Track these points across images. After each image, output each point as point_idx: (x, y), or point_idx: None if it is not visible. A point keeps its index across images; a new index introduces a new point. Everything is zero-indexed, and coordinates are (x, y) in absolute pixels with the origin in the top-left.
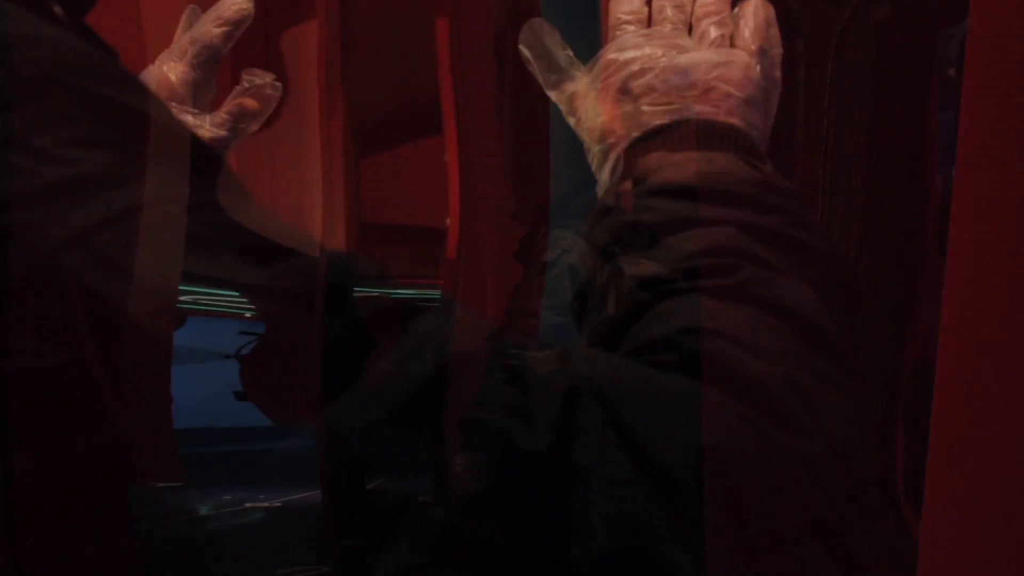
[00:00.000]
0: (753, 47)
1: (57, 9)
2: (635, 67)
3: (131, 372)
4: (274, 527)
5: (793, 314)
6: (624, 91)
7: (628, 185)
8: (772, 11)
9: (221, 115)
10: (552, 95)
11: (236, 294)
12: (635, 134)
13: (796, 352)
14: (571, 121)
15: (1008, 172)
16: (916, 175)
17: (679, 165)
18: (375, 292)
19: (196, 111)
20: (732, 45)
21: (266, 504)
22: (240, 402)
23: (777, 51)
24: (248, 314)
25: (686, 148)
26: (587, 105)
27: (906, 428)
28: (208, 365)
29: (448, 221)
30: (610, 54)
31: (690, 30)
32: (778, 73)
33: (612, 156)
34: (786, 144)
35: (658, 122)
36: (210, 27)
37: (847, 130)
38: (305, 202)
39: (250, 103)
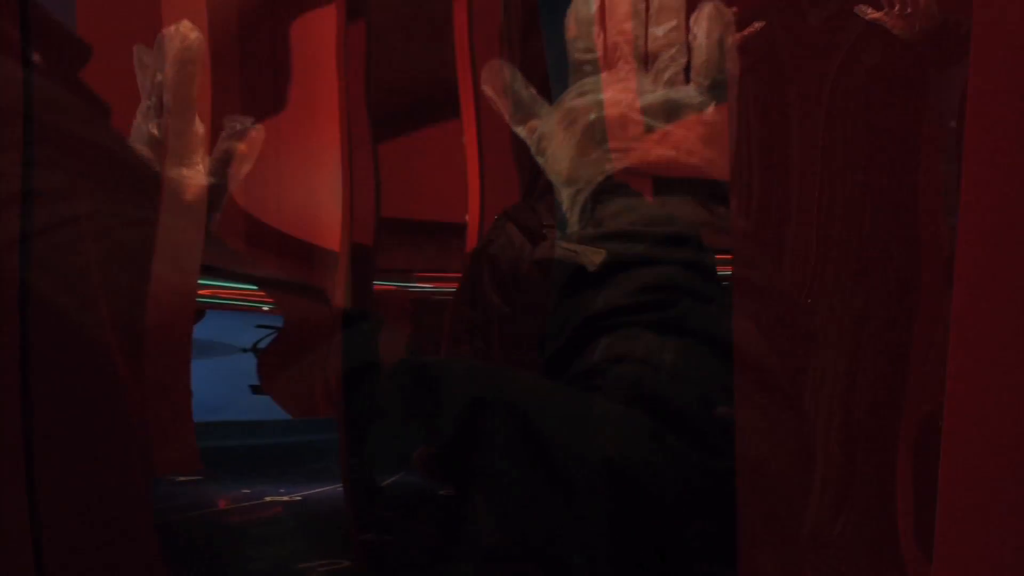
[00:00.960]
0: (706, 82)
1: (37, 57)
2: (593, 115)
3: (150, 369)
4: (294, 521)
5: (723, 344)
6: (586, 138)
7: (588, 231)
8: (727, 18)
9: (211, 162)
10: (519, 132)
11: (254, 288)
12: (598, 180)
13: (720, 378)
14: (540, 160)
15: (1011, 222)
16: (913, 222)
17: (633, 209)
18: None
19: (192, 161)
20: (688, 77)
21: (286, 498)
22: (257, 396)
23: (734, 72)
24: (266, 308)
25: (643, 192)
26: (553, 149)
27: (914, 473)
28: (228, 359)
29: (468, 216)
30: (570, 101)
31: (647, 58)
32: (735, 92)
33: (579, 201)
34: (781, 190)
35: (618, 167)
36: (171, 73)
37: (842, 177)
38: (316, 198)
39: (238, 147)
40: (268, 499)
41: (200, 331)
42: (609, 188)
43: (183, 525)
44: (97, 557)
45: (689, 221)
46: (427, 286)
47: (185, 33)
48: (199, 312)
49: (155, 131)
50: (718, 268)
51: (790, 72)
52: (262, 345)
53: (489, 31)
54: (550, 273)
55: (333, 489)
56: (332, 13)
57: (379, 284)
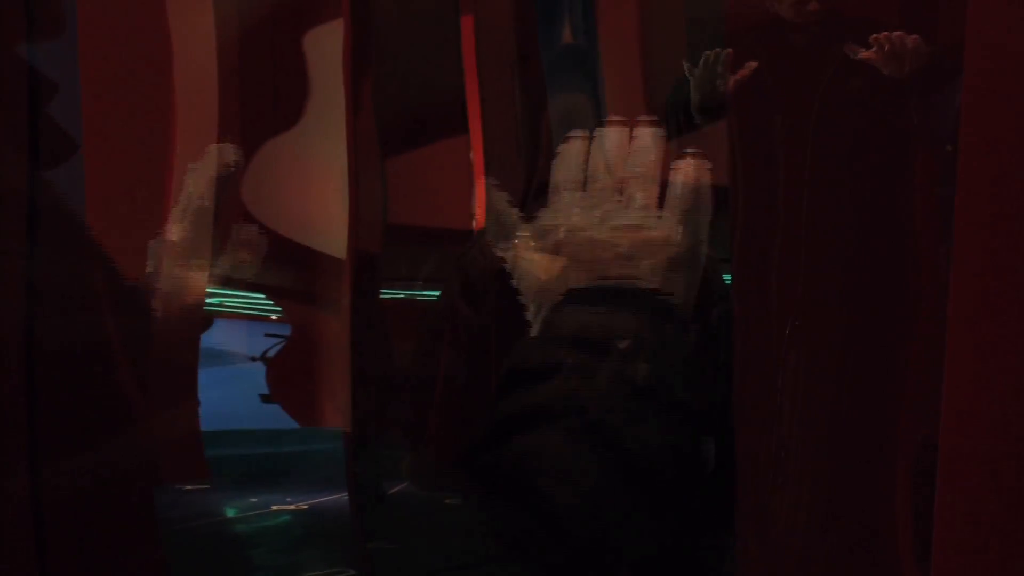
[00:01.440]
0: (678, 211)
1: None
2: (561, 234)
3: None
4: (301, 530)
5: (624, 455)
6: (555, 256)
7: (534, 335)
8: (706, 172)
9: (219, 271)
10: (498, 250)
11: (262, 296)
12: (560, 295)
13: (612, 487)
14: (513, 277)
15: (1007, 239)
16: (902, 246)
17: (580, 321)
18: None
19: (198, 266)
20: (662, 206)
21: (293, 507)
22: (266, 404)
23: (705, 213)
24: (274, 317)
25: (598, 308)
26: (524, 265)
27: (912, 491)
28: (235, 368)
29: (474, 223)
30: (544, 221)
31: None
32: (705, 232)
33: (541, 314)
34: (768, 214)
35: (579, 285)
36: (193, 183)
37: (828, 201)
38: (327, 203)
39: (243, 256)
40: (275, 508)
41: (208, 339)
42: (567, 301)
43: (190, 534)
44: (102, 566)
45: (632, 335)
46: (434, 295)
47: (224, 149)
48: (207, 320)
49: (173, 234)
50: (642, 379)
51: (778, 96)
52: (271, 354)
53: (496, 46)
54: (512, 282)
55: (340, 498)
56: (339, 26)
57: (386, 293)
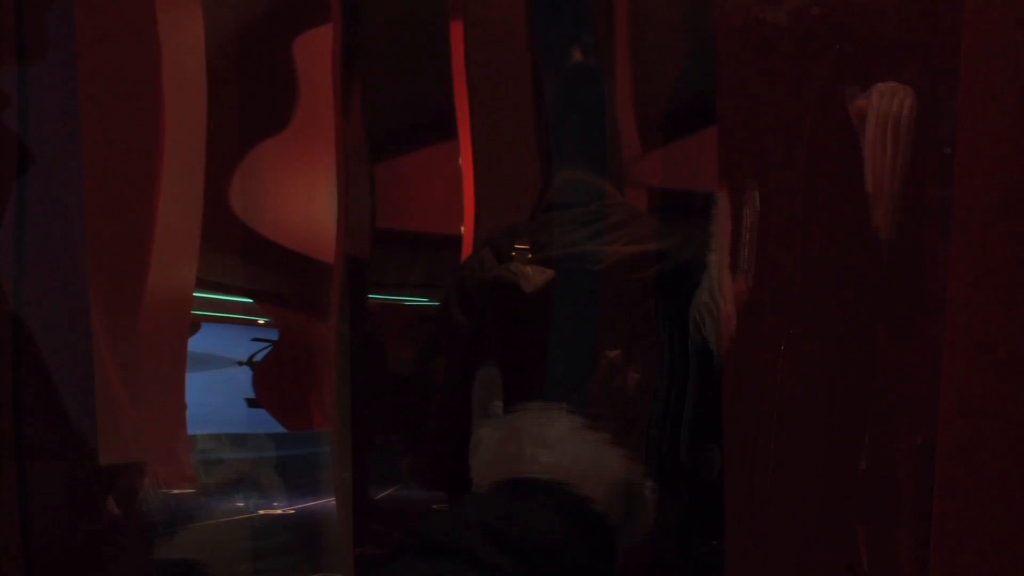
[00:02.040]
0: (626, 471)
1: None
2: (515, 436)
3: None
4: (288, 534)
5: None
6: (510, 439)
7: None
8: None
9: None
10: (476, 431)
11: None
12: (499, 479)
13: None
14: (472, 460)
15: (1006, 249)
16: (899, 251)
17: (490, 506)
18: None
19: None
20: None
21: (279, 511)
22: (253, 409)
23: (652, 493)
24: (261, 321)
25: (520, 497)
26: (482, 450)
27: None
28: (222, 372)
29: (463, 228)
30: (510, 419)
31: None
32: (649, 496)
33: (481, 489)
34: (760, 222)
35: (520, 473)
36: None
37: (823, 208)
38: (317, 207)
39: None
40: (261, 512)
41: (195, 344)
42: (502, 486)
43: (177, 538)
44: (89, 569)
45: (531, 529)
46: (423, 299)
47: None
48: (194, 324)
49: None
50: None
51: (770, 104)
52: (258, 358)
53: (487, 51)
54: (500, 291)
55: (327, 502)
56: (329, 33)
57: (374, 297)
